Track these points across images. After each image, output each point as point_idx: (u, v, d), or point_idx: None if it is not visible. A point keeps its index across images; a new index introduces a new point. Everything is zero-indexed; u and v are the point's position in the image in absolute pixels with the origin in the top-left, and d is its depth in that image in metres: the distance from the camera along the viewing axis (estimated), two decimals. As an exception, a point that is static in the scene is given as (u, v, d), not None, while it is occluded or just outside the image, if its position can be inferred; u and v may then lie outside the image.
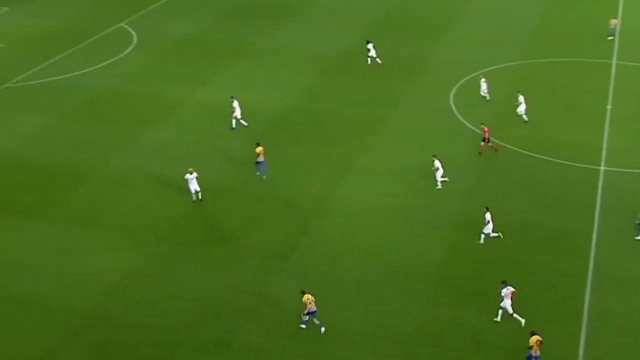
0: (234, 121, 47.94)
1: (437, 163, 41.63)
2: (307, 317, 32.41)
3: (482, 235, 37.47)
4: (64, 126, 49.38)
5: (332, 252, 37.32)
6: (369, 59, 57.13)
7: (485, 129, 44.69)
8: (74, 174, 43.55)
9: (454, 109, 50.49)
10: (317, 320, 32.57)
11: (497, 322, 32.73)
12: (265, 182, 42.87)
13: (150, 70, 57.39)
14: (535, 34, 63.30)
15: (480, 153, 44.90)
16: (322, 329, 32.52)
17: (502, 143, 46.24)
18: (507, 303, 32.49)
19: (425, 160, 43.69)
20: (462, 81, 54.35)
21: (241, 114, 48.13)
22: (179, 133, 48.28)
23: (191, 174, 40.85)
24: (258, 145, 43.38)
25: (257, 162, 43.02)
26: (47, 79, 56.28)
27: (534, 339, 29.99)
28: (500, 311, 32.84)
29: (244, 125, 48.19)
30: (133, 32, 65.14)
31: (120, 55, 59.62)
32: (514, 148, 45.86)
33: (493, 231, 37.48)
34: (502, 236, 37.67)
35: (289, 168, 44.01)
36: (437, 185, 41.73)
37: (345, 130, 48.35)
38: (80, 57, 60.14)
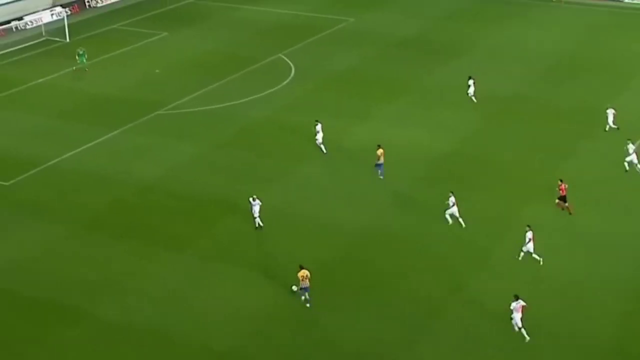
0: (321, 146, 48.95)
1: (452, 199, 40.94)
2: (302, 292, 35.24)
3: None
4: (216, 156, 49.58)
5: (488, 313, 35.15)
6: (468, 95, 56.79)
7: (562, 186, 42.21)
8: (223, 205, 43.38)
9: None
10: (308, 296, 35.38)
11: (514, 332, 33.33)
12: (426, 229, 41.30)
13: (307, 103, 57.19)
14: None
15: (563, 209, 42.51)
16: (308, 305, 35.43)
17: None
18: (517, 317, 33.42)
19: (602, 224, 40.85)
20: (646, 133, 51.16)
21: (322, 138, 49.00)
22: (334, 169, 47.48)
23: (254, 200, 41.00)
24: (379, 147, 45.65)
25: (377, 164, 45.50)
26: (202, 108, 57.01)
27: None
28: (513, 323, 33.46)
29: (322, 151, 48.81)
30: (291, 64, 65.40)
31: (278, 87, 59.84)
32: None
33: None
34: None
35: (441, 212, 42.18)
36: (447, 221, 40.93)
37: (509, 178, 46.15)
38: (236, 86, 60.78)
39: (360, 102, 57.16)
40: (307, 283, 35.21)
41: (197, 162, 48.86)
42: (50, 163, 48.65)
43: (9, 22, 74.23)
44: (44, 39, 72.27)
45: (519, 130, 52.81)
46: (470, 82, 57.07)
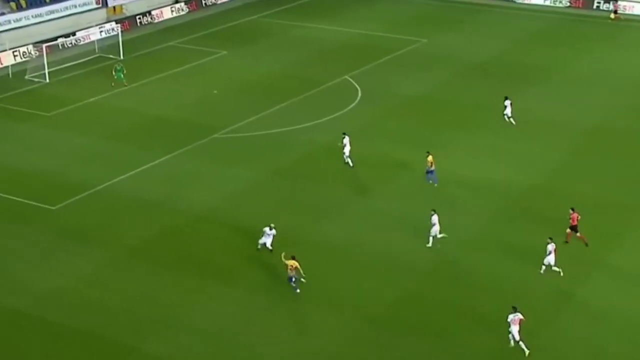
0: (349, 160, 51.00)
1: (434, 218, 41.96)
2: (289, 280, 38.58)
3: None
4: (275, 184, 49.66)
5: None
6: (505, 117, 56.87)
7: (574, 215, 42.07)
8: (278, 237, 43.33)
9: None
10: (294, 284, 38.71)
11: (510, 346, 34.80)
12: (502, 267, 40.68)
13: (374, 129, 57.06)
14: None
15: (566, 242, 42.07)
16: (298, 290, 38.66)
17: None
18: (514, 329, 34.72)
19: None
20: None
21: (350, 151, 51.18)
22: (401, 200, 47.07)
23: (271, 229, 41.64)
24: (429, 154, 48.64)
25: (428, 172, 48.36)
26: (261, 132, 57.28)
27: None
28: (510, 336, 34.65)
29: (349, 165, 50.59)
30: (358, 87, 65.46)
31: (343, 111, 59.85)
32: None
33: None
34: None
35: (523, 254, 41.48)
36: (427, 243, 42.12)
37: (597, 217, 45.25)
38: (298, 110, 61.02)
39: (431, 130, 56.84)
40: (293, 272, 38.37)
41: (254, 189, 48.99)
42: (99, 187, 49.28)
43: (60, 38, 75.75)
44: (96, 55, 73.63)
45: (604, 164, 51.87)
46: (507, 102, 56.94)
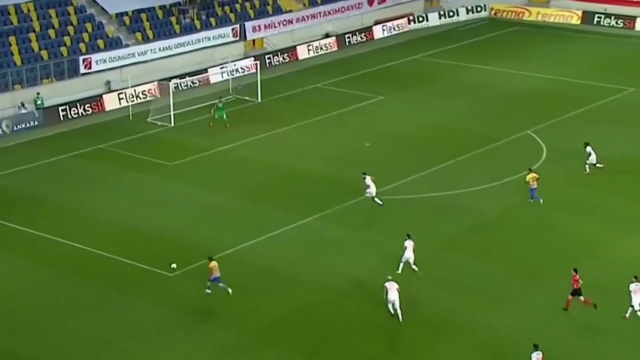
0: (377, 199, 54.04)
1: (406, 243, 47.02)
2: (211, 283, 44.88)
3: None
4: (435, 260, 48.86)
5: None
6: (586, 166, 58.28)
7: (576, 277, 43.41)
8: (443, 325, 42.48)
9: None
10: (222, 284, 44.62)
11: None
12: None
13: (560, 197, 55.66)
14: None
15: (565, 309, 43.47)
16: (229, 290, 44.58)
17: None
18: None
19: None
20: None
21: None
22: (597, 297, 45.34)
23: (389, 285, 43.00)
24: (530, 170, 55.09)
25: (531, 189, 54.26)
26: (419, 195, 56.78)
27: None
28: None
29: (378, 204, 53.85)
30: (543, 144, 64.31)
31: (523, 174, 58.70)
32: None
33: None
34: None
35: None
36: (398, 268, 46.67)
37: None
38: (466, 170, 60.38)
39: (637, 204, 54.90)
40: (217, 273, 44.86)
41: (409, 265, 48.33)
42: (225, 253, 49.66)
43: (189, 75, 77.52)
44: (230, 97, 75.11)
45: None
46: (589, 149, 58.38)
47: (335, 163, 61.88)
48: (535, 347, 38.42)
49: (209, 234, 51.99)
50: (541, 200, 54.06)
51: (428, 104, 73.74)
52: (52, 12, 77.83)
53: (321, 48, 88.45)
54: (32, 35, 75.06)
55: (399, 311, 42.81)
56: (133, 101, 74.01)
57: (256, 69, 76.91)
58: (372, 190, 54.25)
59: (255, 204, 55.85)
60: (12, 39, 73.74)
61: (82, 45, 76.06)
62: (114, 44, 77.80)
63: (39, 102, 70.67)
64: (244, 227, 52.83)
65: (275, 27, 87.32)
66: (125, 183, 59.51)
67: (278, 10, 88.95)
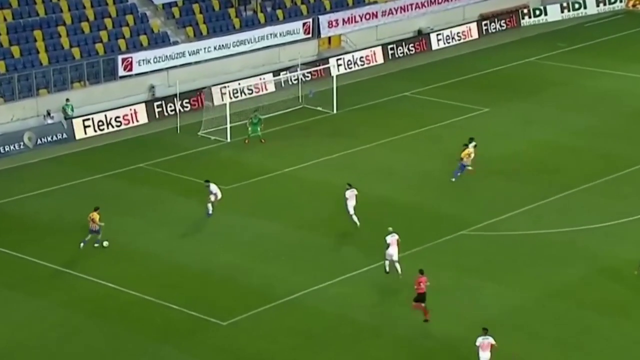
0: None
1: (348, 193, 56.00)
2: (90, 236, 54.52)
3: None
4: (547, 309, 49.13)
5: None
6: None
7: (421, 279, 47.47)
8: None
9: None
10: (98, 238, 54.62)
11: None
12: None
13: None
14: None
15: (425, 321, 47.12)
16: (105, 243, 54.75)
17: None
18: (483, 356, 42.79)
19: None
20: None
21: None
22: None
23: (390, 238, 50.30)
24: (466, 146, 61.91)
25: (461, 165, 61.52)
26: (531, 231, 56.89)
27: None
28: None
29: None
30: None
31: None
32: None
33: None
34: None
35: None
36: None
37: None
38: (586, 203, 60.55)
39: None
40: (96, 226, 54.22)
41: (522, 315, 48.66)
42: (288, 298, 50.20)
43: (250, 78, 78.47)
44: (299, 107, 75.84)
45: None
46: None
47: (427, 190, 62.27)
48: (485, 331, 42.72)
49: (269, 273, 52.50)
50: (453, 179, 61.55)
51: (543, 118, 73.85)
52: (85, 1, 78.73)
53: (411, 49, 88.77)
54: (61, 29, 76.11)
55: (397, 265, 49.97)
56: (181, 110, 74.97)
57: (331, 73, 77.41)
58: (350, 205, 57.31)
59: (327, 237, 56.46)
60: (37, 33, 74.87)
61: (121, 42, 77.21)
62: (159, 40, 78.82)
63: (68, 110, 71.69)
64: (312, 266, 53.31)
65: (355, 21, 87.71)
66: (171, 210, 60.38)
67: (359, 2, 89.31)
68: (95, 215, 54.49)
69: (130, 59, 75.98)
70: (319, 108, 75.66)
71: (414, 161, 66.83)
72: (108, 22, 78.23)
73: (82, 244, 54.37)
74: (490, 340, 43.10)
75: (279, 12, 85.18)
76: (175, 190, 62.96)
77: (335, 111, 75.25)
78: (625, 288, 50.97)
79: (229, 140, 70.23)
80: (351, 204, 57.06)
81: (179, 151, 69.01)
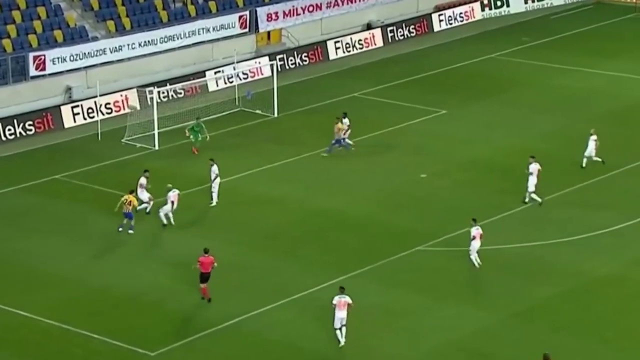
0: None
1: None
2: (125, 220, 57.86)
3: None
4: (516, 330, 49.40)
5: None
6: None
7: (205, 258, 51.07)
8: None
9: None
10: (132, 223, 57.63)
11: None
12: None
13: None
14: None
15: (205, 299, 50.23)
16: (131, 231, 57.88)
17: None
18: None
19: None
20: None
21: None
22: None
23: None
24: (338, 120, 65.72)
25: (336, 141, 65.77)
26: (493, 246, 57.13)
27: None
28: None
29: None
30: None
31: (634, 220, 59.34)
32: None
33: None
34: None
35: None
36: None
37: None
38: (561, 212, 61.12)
39: None
40: (129, 209, 57.17)
41: (485, 338, 48.76)
42: (221, 325, 50.12)
43: (178, 80, 78.36)
44: (236, 110, 75.86)
45: None
46: None
47: (380, 202, 62.50)
48: (342, 290, 46.72)
49: (202, 301, 52.54)
50: (324, 154, 65.88)
51: (507, 120, 74.46)
52: (-11, -10, 78.02)
53: (360, 44, 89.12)
54: (-40, 23, 75.77)
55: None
56: (102, 115, 74.67)
57: (271, 71, 77.61)
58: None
59: (268, 256, 56.50)
60: None
61: (32, 38, 76.72)
62: (76, 36, 78.46)
63: (-29, 115, 71.40)
64: (252, 288, 53.34)
65: (297, 14, 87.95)
66: (91, 227, 60.02)
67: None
68: (133, 198, 58.03)
69: (42, 57, 75.59)
70: (257, 111, 75.78)
71: (364, 170, 67.00)
72: (16, 14, 77.56)
73: (120, 229, 58.59)
74: (347, 299, 46.10)
75: (212, 4, 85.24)
76: (95, 204, 62.60)
77: (276, 114, 75.43)
78: (598, 306, 51.60)
79: (157, 147, 70.20)
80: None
81: (100, 160, 68.82)
